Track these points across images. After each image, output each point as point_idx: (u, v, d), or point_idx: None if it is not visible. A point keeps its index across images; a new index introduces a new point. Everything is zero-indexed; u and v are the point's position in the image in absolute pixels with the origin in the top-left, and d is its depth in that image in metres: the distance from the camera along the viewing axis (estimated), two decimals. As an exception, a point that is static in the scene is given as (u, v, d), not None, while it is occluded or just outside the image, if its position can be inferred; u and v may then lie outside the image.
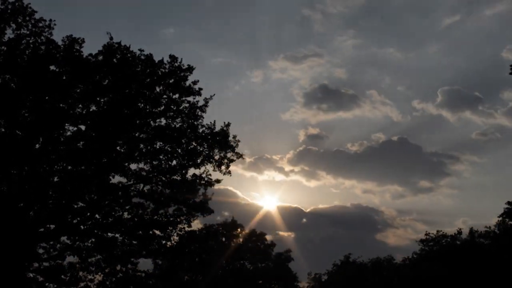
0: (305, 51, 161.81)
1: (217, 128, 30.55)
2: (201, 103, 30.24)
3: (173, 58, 29.51)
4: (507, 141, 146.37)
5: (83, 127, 28.59)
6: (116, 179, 29.81)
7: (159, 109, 29.63)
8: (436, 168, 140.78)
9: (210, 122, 30.62)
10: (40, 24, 27.70)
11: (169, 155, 29.99)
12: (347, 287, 68.37)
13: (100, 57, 28.46)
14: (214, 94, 30.72)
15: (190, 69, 29.89)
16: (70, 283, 31.48)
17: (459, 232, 57.23)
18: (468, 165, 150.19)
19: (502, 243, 50.36)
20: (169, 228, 31.36)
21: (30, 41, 27.66)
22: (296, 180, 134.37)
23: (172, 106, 29.79)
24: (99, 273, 32.12)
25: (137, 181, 30.15)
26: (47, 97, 27.80)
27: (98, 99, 28.42)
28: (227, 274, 59.90)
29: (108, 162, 29.03)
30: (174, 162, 30.23)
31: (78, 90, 28.27)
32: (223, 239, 61.69)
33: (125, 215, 30.54)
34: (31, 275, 30.38)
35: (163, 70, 29.37)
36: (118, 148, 29.26)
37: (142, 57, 29.00)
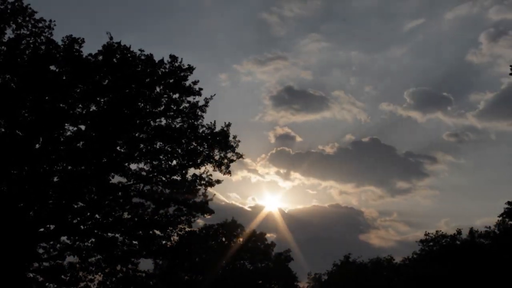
0: (269, 55, 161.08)
1: (217, 128, 30.59)
2: (201, 103, 30.28)
3: (173, 58, 29.51)
4: (480, 141, 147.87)
5: (83, 127, 28.58)
6: (116, 179, 29.85)
7: (159, 109, 29.62)
8: (412, 169, 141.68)
9: (210, 122, 30.66)
10: (40, 25, 27.69)
11: (169, 155, 29.97)
12: (347, 287, 68.37)
13: (100, 57, 28.44)
14: (214, 94, 30.84)
15: (190, 69, 29.89)
16: (70, 283, 31.47)
17: (459, 232, 57.24)
18: (445, 166, 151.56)
19: (502, 243, 50.36)
20: (169, 228, 31.35)
21: (30, 41, 27.65)
22: (271, 181, 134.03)
23: (172, 106, 29.78)
24: (99, 273, 32.10)
25: (137, 181, 30.14)
26: (47, 97, 27.78)
27: (98, 99, 28.41)
28: (227, 274, 59.89)
29: (108, 162, 29.02)
30: (174, 162, 30.24)
31: (78, 90, 28.26)
32: (223, 239, 61.72)
33: (125, 215, 30.53)
34: (31, 275, 30.36)
35: (163, 70, 29.35)
36: (118, 148, 29.26)
37: (142, 57, 28.99)
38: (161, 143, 29.89)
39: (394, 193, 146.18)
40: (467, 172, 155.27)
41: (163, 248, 31.73)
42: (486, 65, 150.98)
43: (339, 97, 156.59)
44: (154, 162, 29.90)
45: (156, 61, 29.20)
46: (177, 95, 29.83)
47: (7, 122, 27.48)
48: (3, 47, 27.10)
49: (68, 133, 28.45)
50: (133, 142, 29.23)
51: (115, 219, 30.21)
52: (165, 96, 29.62)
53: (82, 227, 30.09)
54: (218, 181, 31.05)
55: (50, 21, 27.93)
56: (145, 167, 29.96)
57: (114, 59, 28.59)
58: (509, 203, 50.78)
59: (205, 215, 32.04)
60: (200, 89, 29.97)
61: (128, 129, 28.81)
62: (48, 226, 29.49)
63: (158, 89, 29.49)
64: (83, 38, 28.24)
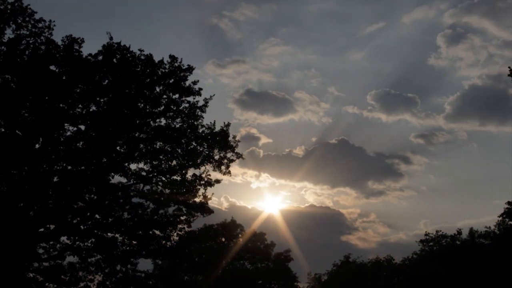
0: (228, 59, 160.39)
1: (217, 128, 30.62)
2: (201, 103, 30.33)
3: (173, 58, 29.54)
4: (450, 142, 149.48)
5: (83, 127, 28.61)
6: (116, 179, 29.90)
7: (159, 109, 29.65)
8: (386, 170, 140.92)
9: (210, 122, 30.72)
10: (40, 25, 27.71)
11: (169, 155, 30.00)
12: (347, 287, 68.37)
13: (100, 57, 28.47)
14: (214, 94, 30.97)
15: (190, 69, 29.93)
16: (70, 283, 31.53)
17: (459, 232, 57.25)
18: (419, 167, 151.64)
19: (502, 243, 50.35)
20: (169, 228, 31.38)
21: (30, 41, 27.68)
22: (244, 181, 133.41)
23: (172, 106, 29.81)
24: (99, 273, 32.17)
25: (137, 181, 30.17)
26: (47, 97, 27.80)
27: (98, 99, 28.43)
28: (227, 274, 59.92)
29: (108, 162, 29.04)
30: (174, 162, 30.25)
31: (78, 90, 28.28)
32: (223, 239, 61.74)
33: (125, 215, 30.55)
34: (31, 275, 30.41)
35: (163, 70, 29.38)
36: (118, 148, 29.27)
37: (142, 57, 29.02)
38: (161, 143, 29.92)
39: (369, 195, 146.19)
40: (442, 173, 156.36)
41: (163, 248, 31.75)
42: (447, 67, 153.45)
43: (303, 100, 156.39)
44: (154, 162, 29.93)
45: (156, 61, 29.25)
46: (177, 95, 29.88)
47: (7, 122, 27.50)
48: (3, 47, 27.12)
49: (68, 133, 28.49)
50: (133, 142, 29.26)
51: (115, 219, 30.24)
52: (164, 96, 29.65)
53: (82, 227, 30.13)
54: (218, 181, 31.11)
55: (50, 21, 27.99)
56: (145, 167, 30.03)
57: (114, 59, 28.62)
58: (509, 203, 50.81)
59: (205, 215, 32.05)
60: (200, 89, 30.07)
61: (128, 129, 28.83)
62: (48, 226, 29.51)
63: (158, 89, 29.53)
64: (83, 38, 28.31)
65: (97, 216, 30.10)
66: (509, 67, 25.26)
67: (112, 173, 29.48)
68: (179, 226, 31.69)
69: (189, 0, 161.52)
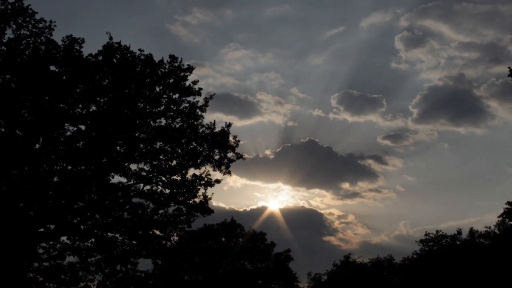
0: (188, 63, 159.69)
1: (217, 129, 30.63)
2: (201, 103, 30.32)
3: (173, 58, 29.54)
4: (419, 142, 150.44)
5: (83, 127, 28.61)
6: (116, 179, 29.88)
7: (159, 109, 29.63)
8: (360, 170, 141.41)
9: (210, 122, 30.70)
10: (40, 25, 27.72)
11: (169, 155, 29.98)
12: (347, 287, 68.38)
13: (100, 57, 28.48)
14: (214, 94, 30.99)
15: (190, 69, 29.93)
16: (70, 283, 31.54)
17: (459, 232, 57.34)
18: (392, 167, 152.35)
19: (502, 243, 50.39)
20: (169, 228, 31.37)
21: (30, 42, 27.68)
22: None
23: (172, 106, 29.79)
24: (99, 273, 32.17)
25: (137, 181, 30.16)
26: (47, 97, 27.81)
27: (98, 99, 28.43)
28: (227, 274, 59.90)
29: (108, 162, 29.03)
30: (174, 162, 30.23)
31: (78, 90, 28.28)
32: (223, 239, 61.71)
33: (125, 215, 30.53)
34: (31, 275, 30.42)
35: (163, 70, 29.37)
36: (118, 148, 29.26)
37: (142, 57, 29.02)
38: (161, 143, 29.90)
39: (345, 196, 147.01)
40: (418, 173, 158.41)
41: (162, 248, 31.74)
42: (407, 69, 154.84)
43: (267, 102, 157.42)
44: (154, 162, 29.91)
45: (156, 61, 29.25)
46: (177, 95, 29.86)
47: (7, 122, 27.51)
48: (3, 47, 27.13)
49: (68, 133, 28.48)
50: (133, 142, 29.24)
51: (115, 219, 30.23)
52: (165, 96, 29.64)
53: (82, 227, 30.12)
54: (218, 181, 31.08)
55: (51, 21, 28.00)
56: (145, 167, 29.99)
57: (114, 59, 28.62)
58: (509, 203, 50.91)
59: (205, 215, 32.04)
60: (200, 89, 30.06)
61: (128, 129, 28.82)
62: (48, 226, 29.51)
63: (158, 89, 29.52)
64: (83, 38, 28.33)
65: (97, 216, 30.09)
66: (509, 67, 25.37)
67: (112, 173, 29.47)
68: (179, 226, 31.66)
69: (142, 4, 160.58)
